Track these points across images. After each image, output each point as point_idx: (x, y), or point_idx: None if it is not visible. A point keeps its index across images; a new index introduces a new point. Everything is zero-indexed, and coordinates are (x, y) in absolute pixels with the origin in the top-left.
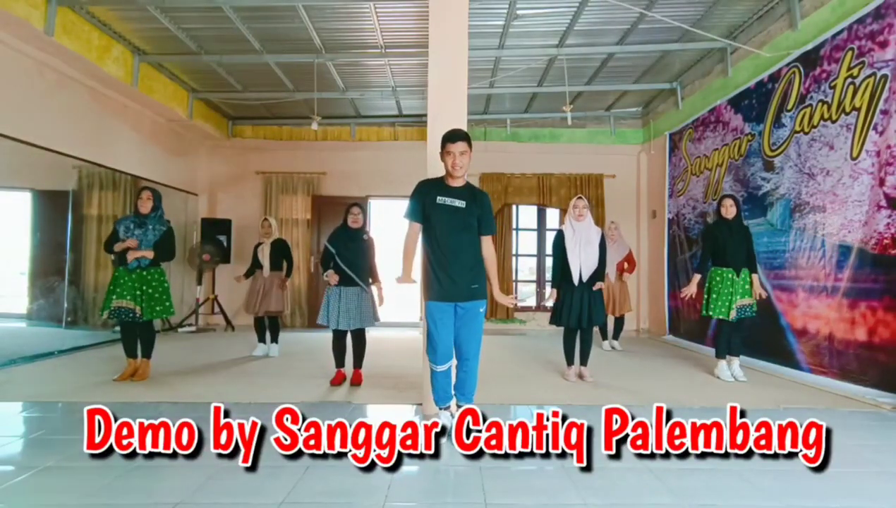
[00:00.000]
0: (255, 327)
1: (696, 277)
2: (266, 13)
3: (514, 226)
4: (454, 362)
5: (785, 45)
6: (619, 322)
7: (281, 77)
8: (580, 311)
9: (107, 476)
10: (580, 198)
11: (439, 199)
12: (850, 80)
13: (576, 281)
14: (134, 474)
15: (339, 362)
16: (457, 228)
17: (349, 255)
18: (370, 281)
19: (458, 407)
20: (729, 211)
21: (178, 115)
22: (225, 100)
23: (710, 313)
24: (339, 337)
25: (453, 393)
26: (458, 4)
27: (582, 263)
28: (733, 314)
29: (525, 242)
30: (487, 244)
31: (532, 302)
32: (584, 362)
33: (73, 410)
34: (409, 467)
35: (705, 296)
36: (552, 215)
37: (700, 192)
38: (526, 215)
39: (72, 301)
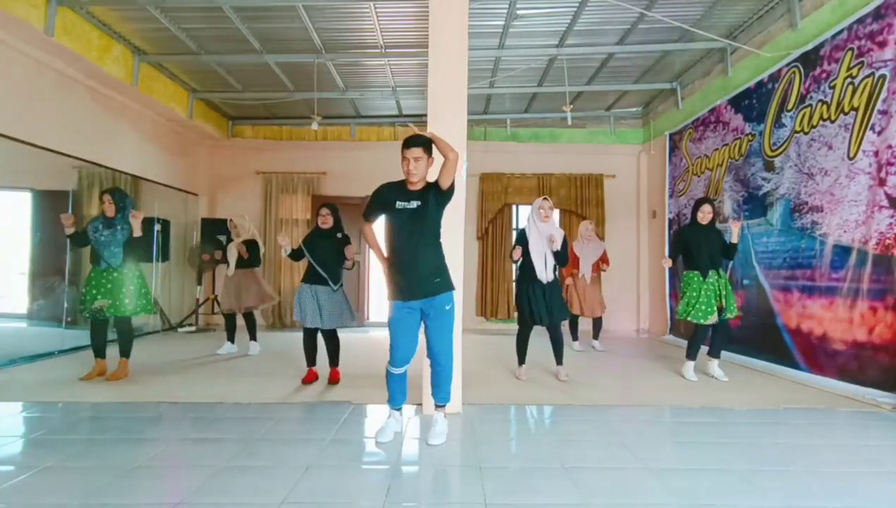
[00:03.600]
0: (226, 325)
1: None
2: (266, 13)
3: (514, 226)
4: (413, 365)
5: (785, 45)
6: (598, 322)
7: (281, 77)
8: (541, 309)
9: (107, 476)
10: (546, 198)
11: (398, 204)
12: (849, 80)
13: (542, 279)
14: (134, 474)
15: (311, 360)
16: (415, 231)
17: (320, 254)
18: (341, 283)
19: (436, 406)
20: (706, 217)
21: (178, 115)
22: (225, 100)
23: (689, 317)
24: (309, 335)
25: (431, 392)
26: (458, 4)
27: (546, 263)
28: (713, 319)
29: None
30: (440, 175)
31: None
32: (558, 361)
33: (73, 410)
34: (409, 467)
35: (681, 299)
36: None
37: (701, 192)
38: (526, 215)
39: (72, 301)
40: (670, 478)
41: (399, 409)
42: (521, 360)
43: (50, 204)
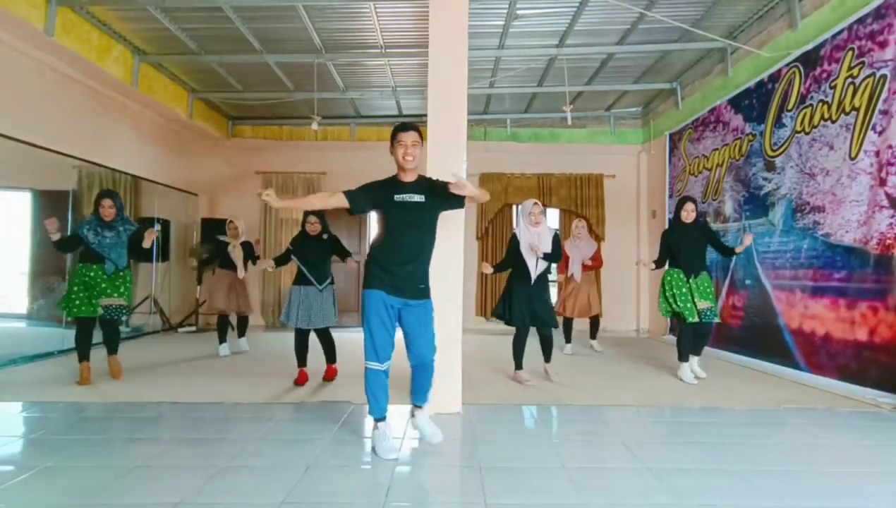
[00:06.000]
0: (219, 326)
1: (652, 264)
2: (266, 13)
3: (514, 225)
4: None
5: (785, 45)
6: (595, 322)
7: (281, 77)
8: (527, 311)
9: (107, 476)
10: (536, 203)
11: (397, 197)
12: (850, 80)
13: (532, 279)
14: (134, 474)
15: (302, 361)
16: (416, 226)
17: (306, 257)
18: (330, 281)
19: (416, 407)
20: (689, 215)
21: (178, 115)
22: (225, 100)
23: (681, 313)
24: (301, 336)
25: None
26: (458, 4)
27: (538, 267)
28: (696, 317)
29: None
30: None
31: None
32: (547, 359)
33: (73, 410)
34: (409, 467)
35: (662, 298)
36: (552, 215)
37: (699, 192)
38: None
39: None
40: (670, 478)
41: (383, 420)
42: (518, 365)
43: (50, 204)
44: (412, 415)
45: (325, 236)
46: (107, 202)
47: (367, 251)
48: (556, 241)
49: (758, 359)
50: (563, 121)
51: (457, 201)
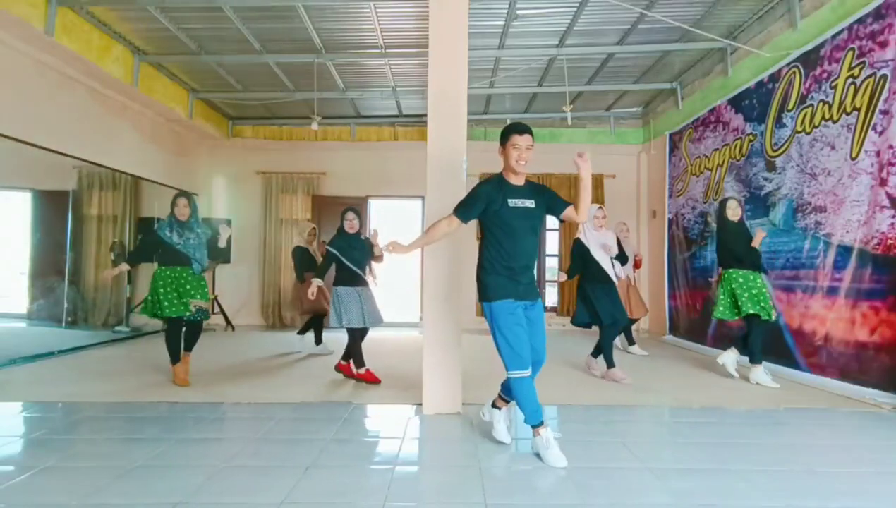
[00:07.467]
0: (313, 326)
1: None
2: (266, 13)
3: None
4: None
5: (785, 45)
6: (631, 323)
7: (281, 77)
8: (613, 309)
9: (107, 476)
10: (600, 207)
11: (511, 202)
12: (851, 80)
13: (615, 279)
14: (134, 474)
15: (363, 360)
16: (529, 231)
17: (356, 256)
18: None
19: (503, 401)
20: (736, 212)
21: (178, 115)
22: (225, 100)
23: (755, 312)
24: (362, 336)
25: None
26: (458, 4)
27: (613, 264)
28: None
29: None
30: (571, 212)
31: None
32: (595, 355)
33: (73, 410)
34: (409, 467)
35: (722, 298)
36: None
37: (700, 192)
38: None
39: (72, 301)
40: (670, 478)
41: (543, 423)
42: (611, 362)
43: (50, 204)
44: (536, 435)
45: (363, 237)
46: (182, 201)
47: (478, 262)
48: (618, 240)
49: None
50: (563, 121)
51: (558, 209)
